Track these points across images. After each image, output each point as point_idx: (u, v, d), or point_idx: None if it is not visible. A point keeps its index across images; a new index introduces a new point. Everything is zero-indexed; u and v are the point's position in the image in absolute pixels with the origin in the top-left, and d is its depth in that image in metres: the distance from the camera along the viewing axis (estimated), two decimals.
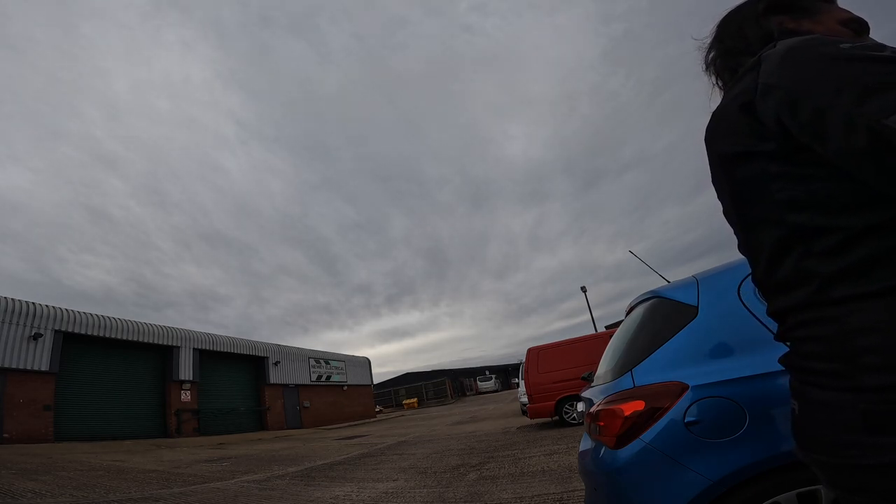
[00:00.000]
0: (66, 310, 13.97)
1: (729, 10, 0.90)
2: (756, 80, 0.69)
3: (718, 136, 0.80)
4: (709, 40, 0.92)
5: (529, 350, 9.82)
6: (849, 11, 0.81)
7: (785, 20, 0.81)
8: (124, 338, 15.48)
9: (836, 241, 0.61)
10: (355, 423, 23.76)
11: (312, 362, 25.33)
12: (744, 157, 0.73)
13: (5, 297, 12.43)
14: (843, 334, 0.59)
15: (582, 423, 2.31)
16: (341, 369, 27.97)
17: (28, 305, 12.84)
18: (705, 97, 0.92)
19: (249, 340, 21.74)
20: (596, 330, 21.30)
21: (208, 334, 19.30)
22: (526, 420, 11.25)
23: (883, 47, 0.60)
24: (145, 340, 16.22)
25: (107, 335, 14.93)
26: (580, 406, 2.44)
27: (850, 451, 0.57)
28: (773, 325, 1.48)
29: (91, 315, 14.67)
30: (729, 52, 0.87)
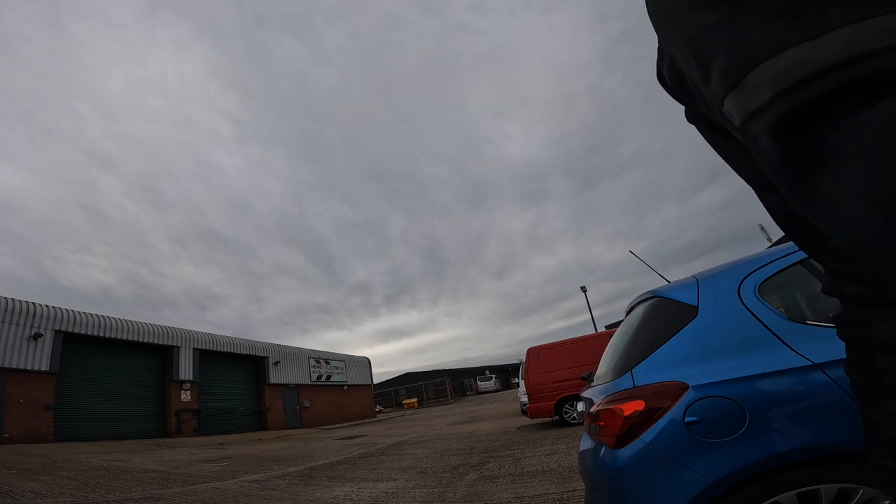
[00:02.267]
0: (66, 310, 13.96)
1: None
2: None
3: None
4: None
5: (529, 350, 9.82)
6: None
7: None
8: (124, 338, 15.48)
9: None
10: (355, 423, 23.75)
11: (312, 362, 25.32)
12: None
13: (5, 297, 12.43)
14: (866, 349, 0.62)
15: (582, 423, 2.31)
16: (341, 369, 27.96)
17: (28, 305, 12.84)
18: None
19: (249, 340, 21.74)
20: (596, 330, 21.32)
21: (208, 334, 19.29)
22: (526, 420, 11.26)
23: None
24: (145, 340, 16.22)
25: (107, 335, 14.92)
26: (580, 406, 2.44)
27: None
28: (773, 325, 1.49)
29: (91, 315, 14.66)
30: None
